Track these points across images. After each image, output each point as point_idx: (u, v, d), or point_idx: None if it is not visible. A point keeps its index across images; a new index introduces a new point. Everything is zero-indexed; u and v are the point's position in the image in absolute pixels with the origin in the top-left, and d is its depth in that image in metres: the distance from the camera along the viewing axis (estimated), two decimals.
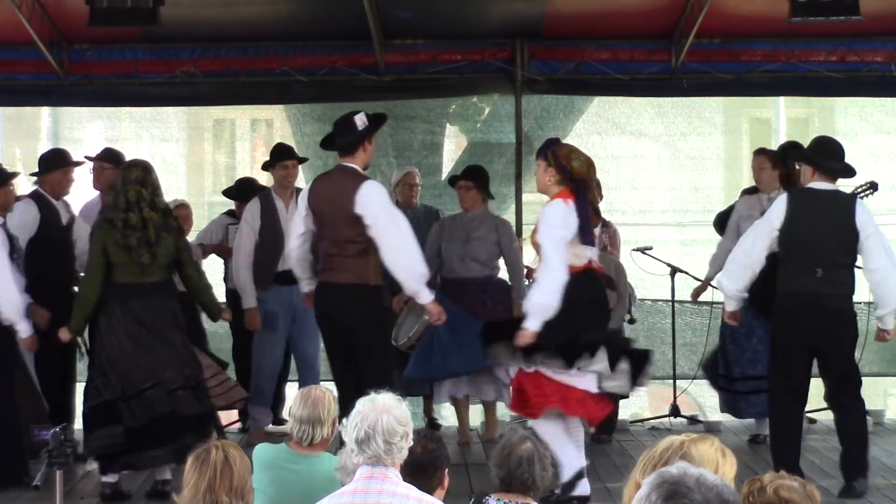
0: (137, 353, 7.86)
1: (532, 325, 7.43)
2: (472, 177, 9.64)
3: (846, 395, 7.78)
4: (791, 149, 9.23)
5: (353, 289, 7.86)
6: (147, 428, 7.77)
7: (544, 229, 7.58)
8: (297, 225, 8.18)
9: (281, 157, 9.65)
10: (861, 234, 7.65)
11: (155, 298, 7.93)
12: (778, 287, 7.78)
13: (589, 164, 7.79)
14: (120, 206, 7.86)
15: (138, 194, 7.85)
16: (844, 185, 8.28)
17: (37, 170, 9.23)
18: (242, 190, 10.18)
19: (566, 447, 7.58)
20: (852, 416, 7.76)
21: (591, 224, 7.80)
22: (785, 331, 7.77)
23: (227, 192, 10.58)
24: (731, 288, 7.97)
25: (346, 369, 7.97)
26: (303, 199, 8.09)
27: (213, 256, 10.56)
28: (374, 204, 7.81)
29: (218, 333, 10.91)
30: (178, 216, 9.36)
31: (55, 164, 9.13)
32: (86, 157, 9.60)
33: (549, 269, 7.51)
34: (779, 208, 7.75)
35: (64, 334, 8.00)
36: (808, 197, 7.79)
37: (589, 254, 7.74)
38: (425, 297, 8.01)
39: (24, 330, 8.19)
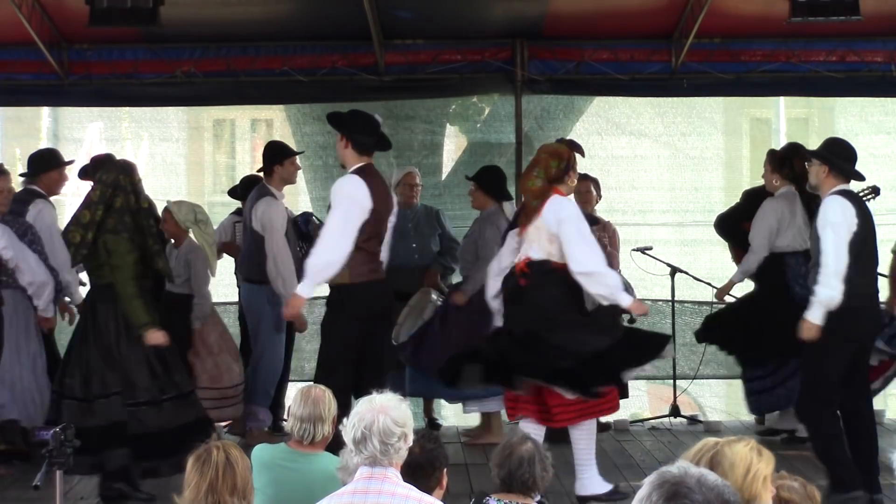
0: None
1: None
2: (478, 178, 9.68)
3: (862, 396, 7.85)
4: (795, 150, 9.30)
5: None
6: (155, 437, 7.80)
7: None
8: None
9: (286, 153, 9.66)
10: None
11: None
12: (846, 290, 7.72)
13: (558, 157, 7.84)
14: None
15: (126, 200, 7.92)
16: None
17: (35, 170, 9.25)
18: (248, 189, 10.18)
19: (593, 451, 7.68)
20: (868, 418, 7.80)
21: None
22: (854, 333, 7.71)
23: (233, 192, 10.58)
24: (837, 301, 7.63)
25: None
26: (366, 198, 7.76)
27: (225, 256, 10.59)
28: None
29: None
30: (165, 219, 9.40)
31: (53, 164, 9.15)
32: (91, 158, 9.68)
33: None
34: (849, 211, 7.61)
35: (161, 337, 7.93)
36: (856, 199, 7.80)
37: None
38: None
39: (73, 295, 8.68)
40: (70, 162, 9.36)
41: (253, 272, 9.57)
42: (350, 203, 7.68)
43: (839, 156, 7.76)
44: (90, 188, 8.07)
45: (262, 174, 9.74)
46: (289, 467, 5.53)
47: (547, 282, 7.75)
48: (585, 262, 7.62)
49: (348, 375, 7.68)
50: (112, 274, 7.82)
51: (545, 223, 7.72)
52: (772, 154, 9.59)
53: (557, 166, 7.77)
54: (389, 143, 8.19)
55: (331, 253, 7.65)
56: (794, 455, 8.99)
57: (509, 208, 9.80)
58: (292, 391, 9.14)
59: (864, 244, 7.66)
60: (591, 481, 7.75)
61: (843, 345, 7.65)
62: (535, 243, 7.77)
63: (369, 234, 7.76)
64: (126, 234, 7.83)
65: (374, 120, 8.00)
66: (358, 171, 7.79)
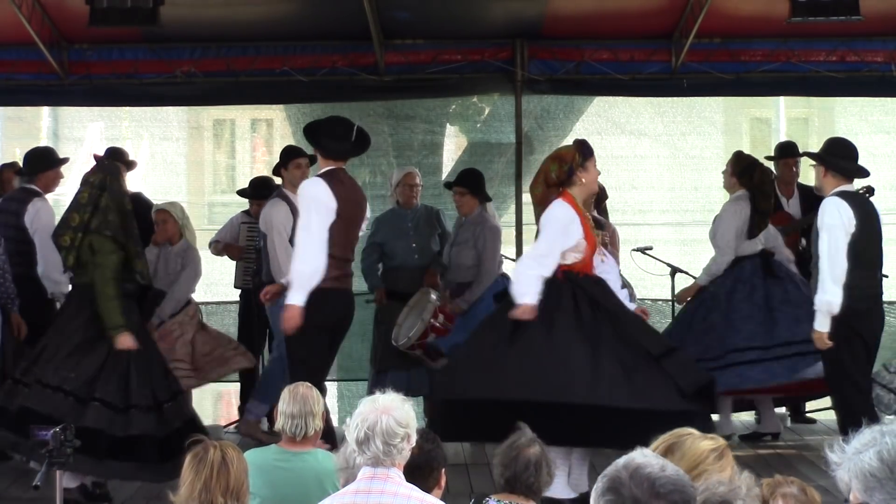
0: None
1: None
2: (466, 182, 9.69)
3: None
4: (756, 165, 9.35)
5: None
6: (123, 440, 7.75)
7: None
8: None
9: (291, 155, 9.64)
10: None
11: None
12: (848, 290, 7.68)
13: (559, 161, 7.83)
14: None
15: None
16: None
17: (32, 168, 9.25)
18: (258, 189, 10.19)
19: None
20: None
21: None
22: (860, 332, 7.75)
23: (243, 192, 10.58)
24: (837, 305, 7.64)
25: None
26: (330, 198, 7.68)
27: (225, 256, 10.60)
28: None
29: (229, 334, 10.91)
30: (156, 221, 9.37)
31: (49, 163, 9.15)
32: (94, 157, 9.66)
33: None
34: (846, 213, 7.61)
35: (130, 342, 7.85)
36: (856, 199, 7.78)
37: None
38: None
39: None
40: (65, 160, 9.36)
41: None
42: (315, 204, 7.60)
43: (837, 155, 7.76)
44: (78, 189, 8.06)
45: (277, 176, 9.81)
46: (282, 467, 5.53)
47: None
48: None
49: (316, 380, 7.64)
50: (93, 272, 7.79)
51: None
52: (737, 157, 9.56)
53: (558, 169, 7.76)
54: (366, 145, 8.05)
55: (316, 258, 7.55)
56: (794, 455, 9.01)
57: (491, 209, 9.87)
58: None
59: (864, 245, 7.64)
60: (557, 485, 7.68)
61: (854, 344, 7.68)
62: None
63: (336, 239, 7.65)
64: (111, 233, 7.81)
65: (346, 125, 7.90)
66: (323, 175, 7.75)
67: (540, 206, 7.83)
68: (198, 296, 10.07)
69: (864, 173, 7.90)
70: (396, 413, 4.31)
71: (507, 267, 11.02)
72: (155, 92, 10.80)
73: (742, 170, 9.34)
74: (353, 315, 8.01)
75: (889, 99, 11.42)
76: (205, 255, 10.42)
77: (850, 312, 7.60)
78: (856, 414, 7.52)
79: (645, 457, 2.68)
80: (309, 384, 5.73)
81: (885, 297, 10.79)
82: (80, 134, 14.09)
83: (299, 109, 11.88)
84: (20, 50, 10.44)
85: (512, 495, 4.88)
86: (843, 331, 7.66)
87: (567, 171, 7.72)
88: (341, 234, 7.69)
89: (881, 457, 2.77)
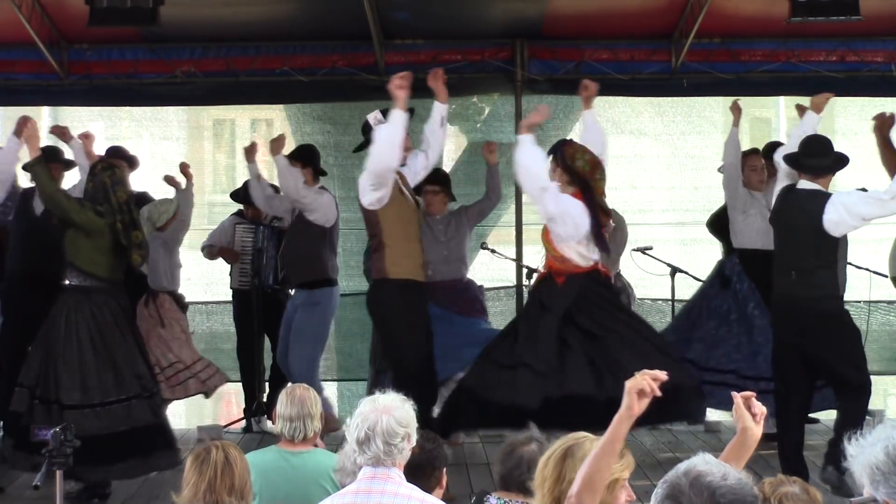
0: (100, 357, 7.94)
1: None
2: (440, 181, 9.75)
3: (845, 397, 7.83)
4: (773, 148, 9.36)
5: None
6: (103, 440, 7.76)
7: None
8: None
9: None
10: (833, 233, 7.71)
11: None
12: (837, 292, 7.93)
13: (593, 164, 7.88)
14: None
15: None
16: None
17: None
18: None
19: None
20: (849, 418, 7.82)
21: (601, 226, 7.90)
22: (775, 331, 7.97)
23: (235, 195, 10.58)
24: None
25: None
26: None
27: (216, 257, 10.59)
28: None
29: (219, 333, 10.91)
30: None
31: (53, 160, 9.15)
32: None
33: None
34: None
35: None
36: (788, 197, 7.82)
37: (595, 256, 7.83)
38: None
39: None
40: (71, 162, 9.37)
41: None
42: None
43: (807, 154, 7.89)
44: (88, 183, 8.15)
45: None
46: (282, 468, 5.53)
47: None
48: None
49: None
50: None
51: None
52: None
53: (587, 170, 7.95)
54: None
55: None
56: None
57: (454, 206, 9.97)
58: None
59: (777, 239, 7.74)
60: None
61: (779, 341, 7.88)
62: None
63: None
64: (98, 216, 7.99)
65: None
66: None
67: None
68: (197, 295, 10.08)
69: (837, 166, 7.93)
70: (397, 413, 4.31)
71: (503, 265, 11.04)
72: (155, 92, 10.80)
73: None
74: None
75: (889, 99, 11.40)
76: (199, 256, 10.46)
77: (773, 309, 7.90)
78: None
79: (707, 464, 2.67)
80: (306, 385, 5.72)
81: (886, 297, 10.82)
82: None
83: (299, 109, 11.87)
84: (20, 50, 10.43)
85: (509, 493, 4.90)
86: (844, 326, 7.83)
87: (587, 177, 7.84)
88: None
89: (887, 451, 2.79)
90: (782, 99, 15.03)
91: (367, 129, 8.16)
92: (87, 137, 9.16)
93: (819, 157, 7.84)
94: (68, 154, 9.39)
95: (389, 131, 7.85)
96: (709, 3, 9.74)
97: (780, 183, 8.17)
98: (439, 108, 8.30)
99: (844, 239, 8.27)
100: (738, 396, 3.64)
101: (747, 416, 3.61)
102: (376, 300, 8.27)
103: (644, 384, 3.60)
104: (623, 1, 10.25)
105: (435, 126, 8.29)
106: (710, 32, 10.35)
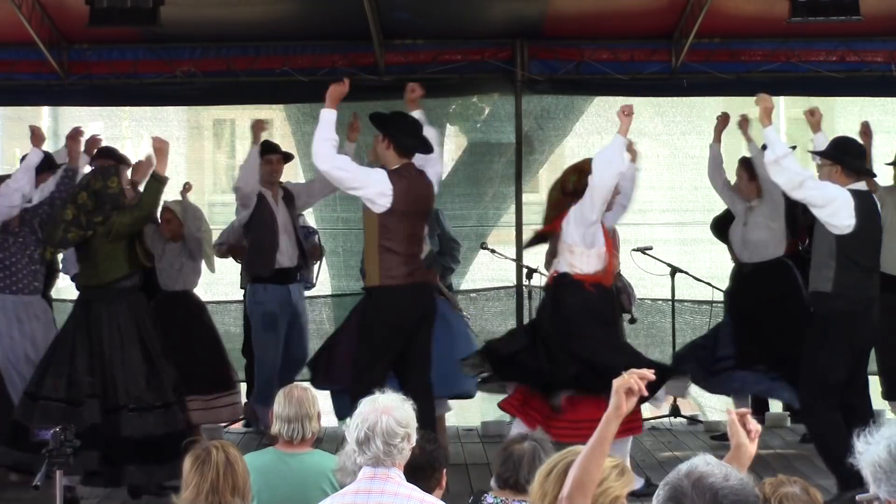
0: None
1: None
2: None
3: (858, 393, 7.86)
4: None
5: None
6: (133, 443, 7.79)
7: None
8: None
9: (264, 151, 9.63)
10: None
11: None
12: (839, 291, 7.71)
13: (578, 172, 7.93)
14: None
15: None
16: None
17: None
18: None
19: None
20: (863, 413, 7.80)
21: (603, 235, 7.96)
22: (852, 339, 7.73)
23: None
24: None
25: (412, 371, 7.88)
26: (386, 196, 7.85)
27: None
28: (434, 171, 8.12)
29: (230, 333, 10.91)
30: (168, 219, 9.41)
31: (46, 167, 9.15)
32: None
33: None
34: (849, 209, 7.60)
35: None
36: (862, 198, 7.73)
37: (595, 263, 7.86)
38: None
39: None
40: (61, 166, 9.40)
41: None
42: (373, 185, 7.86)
43: (850, 154, 7.77)
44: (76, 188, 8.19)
45: None
46: (280, 469, 5.52)
47: (568, 294, 7.82)
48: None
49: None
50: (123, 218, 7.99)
51: (562, 236, 7.84)
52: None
53: (577, 181, 7.91)
54: (432, 146, 8.16)
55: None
56: (794, 455, 9.02)
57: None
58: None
59: (862, 246, 7.64)
60: None
61: (842, 351, 7.64)
62: (560, 256, 7.91)
63: (396, 235, 7.76)
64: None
65: (418, 122, 8.07)
66: (392, 172, 7.87)
67: (553, 210, 7.92)
68: (199, 295, 10.07)
69: (872, 174, 7.93)
70: (396, 413, 4.31)
71: (503, 265, 11.04)
72: (155, 92, 10.80)
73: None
74: (434, 307, 8.09)
75: (889, 99, 11.42)
76: None
77: (843, 314, 7.60)
78: (811, 402, 7.69)
79: (708, 465, 2.67)
80: (304, 386, 5.71)
81: None
82: None
83: (299, 109, 11.88)
84: (20, 50, 10.43)
85: (505, 491, 4.93)
86: (833, 331, 7.68)
87: (585, 184, 7.84)
88: (400, 231, 7.82)
89: (889, 450, 2.80)
90: (782, 99, 15.03)
91: (418, 132, 8.08)
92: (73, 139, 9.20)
93: (862, 159, 7.85)
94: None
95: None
96: (709, 3, 9.74)
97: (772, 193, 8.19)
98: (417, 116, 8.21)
99: None
100: (732, 413, 3.64)
101: (741, 433, 3.61)
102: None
103: (632, 382, 3.61)
104: (623, 1, 10.25)
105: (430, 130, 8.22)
106: (710, 32, 10.35)
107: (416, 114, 8.12)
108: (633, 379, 3.61)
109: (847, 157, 7.72)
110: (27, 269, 8.82)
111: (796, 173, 7.56)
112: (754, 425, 3.66)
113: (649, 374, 3.66)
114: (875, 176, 8.01)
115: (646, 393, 3.67)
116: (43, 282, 9.10)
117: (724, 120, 9.62)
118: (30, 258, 8.78)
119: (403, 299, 7.84)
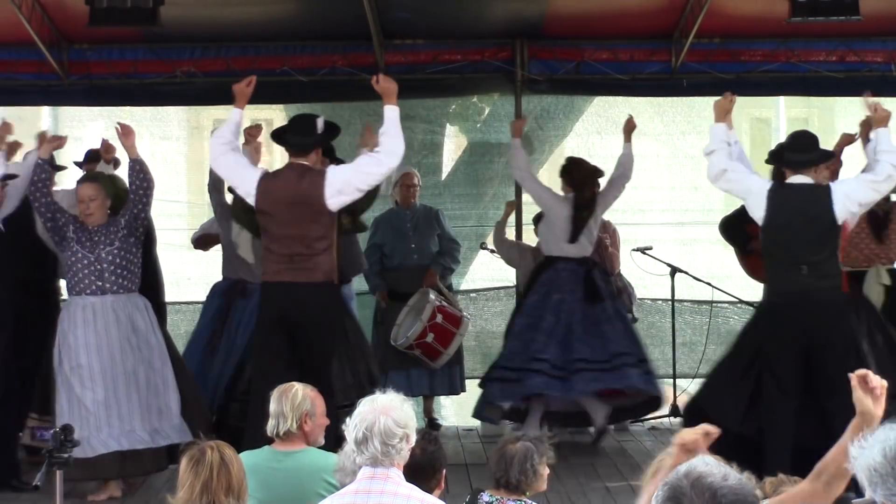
0: None
1: None
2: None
3: (832, 400, 7.78)
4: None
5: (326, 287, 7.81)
6: None
7: None
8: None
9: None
10: (840, 222, 7.73)
11: None
12: (768, 283, 7.96)
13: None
14: None
15: None
16: None
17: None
18: None
19: None
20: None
21: None
22: (773, 329, 7.81)
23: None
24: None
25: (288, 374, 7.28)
26: (251, 196, 7.82)
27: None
28: (342, 171, 7.83)
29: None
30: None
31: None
32: (75, 163, 9.65)
33: None
34: (761, 201, 7.79)
35: None
36: (782, 194, 7.82)
37: None
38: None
39: None
40: (61, 167, 9.38)
41: None
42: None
43: (792, 149, 7.93)
44: None
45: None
46: (275, 468, 5.52)
47: None
48: None
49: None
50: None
51: None
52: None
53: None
54: (326, 141, 8.11)
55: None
56: None
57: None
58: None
59: (777, 238, 7.71)
60: None
61: (748, 344, 7.90)
62: None
63: (270, 233, 7.75)
64: None
65: (309, 120, 8.03)
66: (271, 172, 8.01)
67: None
68: (198, 296, 10.06)
69: (821, 159, 7.91)
70: (395, 413, 4.31)
71: (503, 265, 11.03)
72: (155, 92, 10.79)
73: (562, 170, 9.72)
74: (312, 309, 7.73)
75: (889, 99, 11.42)
76: (200, 256, 10.42)
77: (766, 307, 7.87)
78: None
79: (707, 465, 2.67)
80: (299, 385, 5.70)
81: None
82: (80, 134, 14.09)
83: (299, 109, 11.87)
84: (20, 50, 10.43)
85: (499, 490, 4.96)
86: (758, 324, 7.93)
87: None
88: (272, 229, 7.74)
89: (884, 453, 2.80)
90: (782, 99, 15.07)
91: (310, 129, 8.01)
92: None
93: (805, 151, 7.86)
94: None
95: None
96: (709, 3, 9.74)
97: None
98: (393, 111, 8.06)
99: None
100: (854, 377, 3.49)
101: (865, 400, 3.47)
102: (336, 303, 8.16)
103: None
104: (623, 1, 10.25)
105: (391, 128, 8.00)
106: (710, 32, 10.34)
107: (389, 109, 7.98)
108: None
109: (786, 153, 7.84)
110: None
111: (714, 165, 7.91)
112: (878, 381, 3.51)
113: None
114: (828, 159, 8.00)
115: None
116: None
117: (629, 127, 9.70)
118: None
119: (267, 295, 7.80)
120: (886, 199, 8.66)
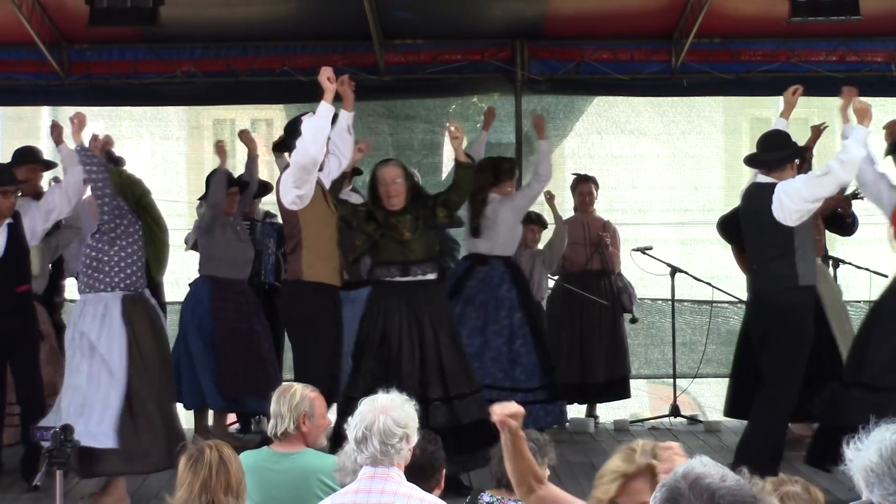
0: None
1: None
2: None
3: (759, 398, 7.88)
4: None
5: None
6: None
7: None
8: None
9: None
10: (784, 222, 7.69)
11: None
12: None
13: None
14: None
15: None
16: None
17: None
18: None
19: None
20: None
21: None
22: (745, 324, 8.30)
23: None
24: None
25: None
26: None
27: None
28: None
29: None
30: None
31: (29, 160, 9.07)
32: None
33: None
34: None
35: None
36: (746, 193, 8.02)
37: None
38: None
39: None
40: (50, 163, 9.36)
41: None
42: None
43: (761, 149, 7.98)
44: None
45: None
46: (273, 469, 5.50)
47: None
48: None
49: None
50: None
51: None
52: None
53: None
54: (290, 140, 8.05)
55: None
56: (793, 455, 9.00)
57: None
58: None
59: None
60: None
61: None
62: None
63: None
64: None
65: (293, 122, 8.07)
66: None
67: None
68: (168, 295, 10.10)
69: (790, 158, 7.92)
70: (395, 413, 4.31)
71: None
72: (155, 92, 10.80)
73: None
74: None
75: (889, 99, 11.42)
76: (184, 255, 10.40)
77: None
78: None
79: (705, 466, 2.66)
80: (303, 385, 5.69)
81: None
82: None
83: (299, 109, 11.86)
84: (20, 50, 10.43)
85: (500, 490, 4.96)
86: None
87: None
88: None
89: (880, 453, 2.79)
90: (782, 99, 15.03)
91: (289, 129, 8.06)
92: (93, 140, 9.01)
93: (772, 150, 7.87)
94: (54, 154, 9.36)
95: (316, 123, 7.74)
96: (709, 3, 9.74)
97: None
98: (346, 116, 8.13)
99: (804, 226, 8.06)
100: (845, 90, 3.55)
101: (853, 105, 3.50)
102: (288, 302, 8.15)
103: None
104: (623, 1, 10.25)
105: (342, 133, 8.10)
106: (710, 32, 10.35)
107: (343, 114, 8.12)
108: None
109: (756, 154, 7.96)
110: None
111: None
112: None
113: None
114: (797, 156, 8.04)
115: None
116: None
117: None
118: None
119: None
120: None
